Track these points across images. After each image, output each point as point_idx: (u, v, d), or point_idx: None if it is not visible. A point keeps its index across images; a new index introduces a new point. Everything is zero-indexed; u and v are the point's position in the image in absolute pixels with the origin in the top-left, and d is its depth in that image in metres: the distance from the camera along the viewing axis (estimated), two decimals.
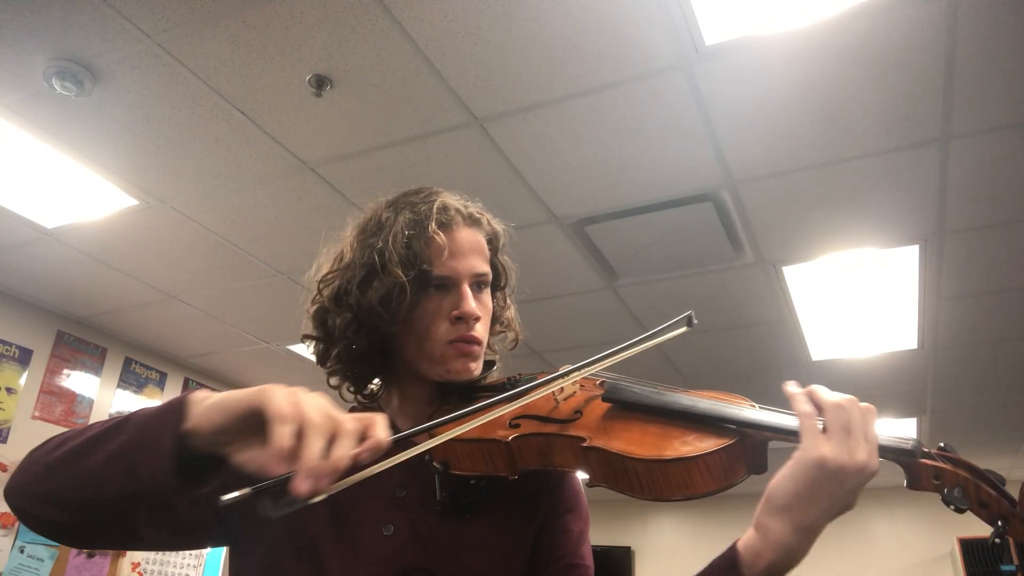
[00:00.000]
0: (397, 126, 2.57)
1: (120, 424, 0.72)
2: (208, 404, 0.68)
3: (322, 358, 1.00)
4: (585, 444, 0.80)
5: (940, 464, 0.71)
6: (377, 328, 0.94)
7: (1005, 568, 6.02)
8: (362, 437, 0.65)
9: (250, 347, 4.50)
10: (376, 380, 1.02)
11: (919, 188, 2.78)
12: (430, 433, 0.76)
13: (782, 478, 0.72)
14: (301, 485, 0.60)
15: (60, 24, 2.15)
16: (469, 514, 0.90)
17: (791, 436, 0.74)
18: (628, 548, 7.66)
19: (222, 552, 5.08)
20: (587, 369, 0.83)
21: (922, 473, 0.72)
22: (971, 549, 6.17)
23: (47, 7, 2.09)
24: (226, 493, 0.62)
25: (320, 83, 2.35)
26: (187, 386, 4.85)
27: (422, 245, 0.93)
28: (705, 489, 0.74)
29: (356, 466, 0.64)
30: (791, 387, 0.77)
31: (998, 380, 4.49)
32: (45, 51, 2.24)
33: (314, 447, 0.61)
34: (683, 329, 0.83)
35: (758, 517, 0.73)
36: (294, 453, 0.61)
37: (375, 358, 0.98)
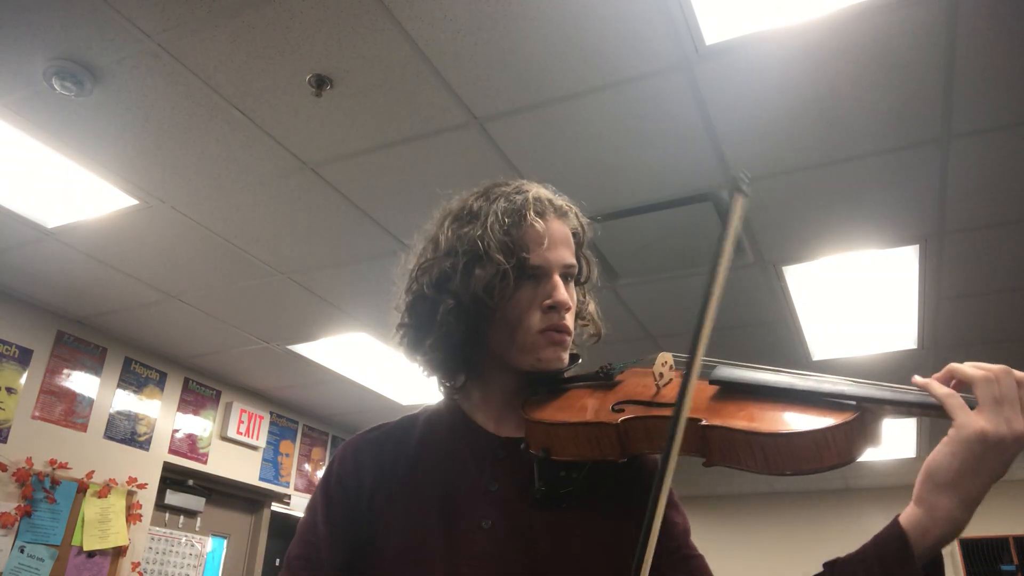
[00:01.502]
0: (397, 126, 2.57)
1: None
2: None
3: (414, 347, 1.00)
4: (704, 423, 0.80)
5: None
6: (476, 315, 0.94)
7: (1005, 568, 6.02)
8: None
9: (250, 347, 4.50)
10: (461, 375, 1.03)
11: (919, 188, 2.78)
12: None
13: (942, 456, 0.72)
14: None
15: (60, 24, 2.15)
16: (566, 505, 0.90)
17: (912, 409, 0.76)
18: None
19: (222, 552, 5.09)
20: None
21: None
22: (971, 549, 6.17)
23: (47, 7, 2.09)
24: None
25: (320, 83, 2.35)
26: (187, 386, 4.85)
27: (520, 233, 0.94)
28: (830, 462, 0.75)
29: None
30: (918, 379, 0.78)
31: None
32: (45, 51, 2.24)
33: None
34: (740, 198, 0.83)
35: (920, 495, 0.74)
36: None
37: (467, 347, 0.98)
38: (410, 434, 1.01)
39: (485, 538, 0.88)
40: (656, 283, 3.58)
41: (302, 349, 4.48)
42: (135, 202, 3.03)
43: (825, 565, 0.80)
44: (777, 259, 3.32)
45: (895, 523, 0.75)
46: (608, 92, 2.38)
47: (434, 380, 1.03)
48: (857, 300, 3.64)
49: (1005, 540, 6.09)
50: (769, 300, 3.66)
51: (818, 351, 4.21)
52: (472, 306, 0.94)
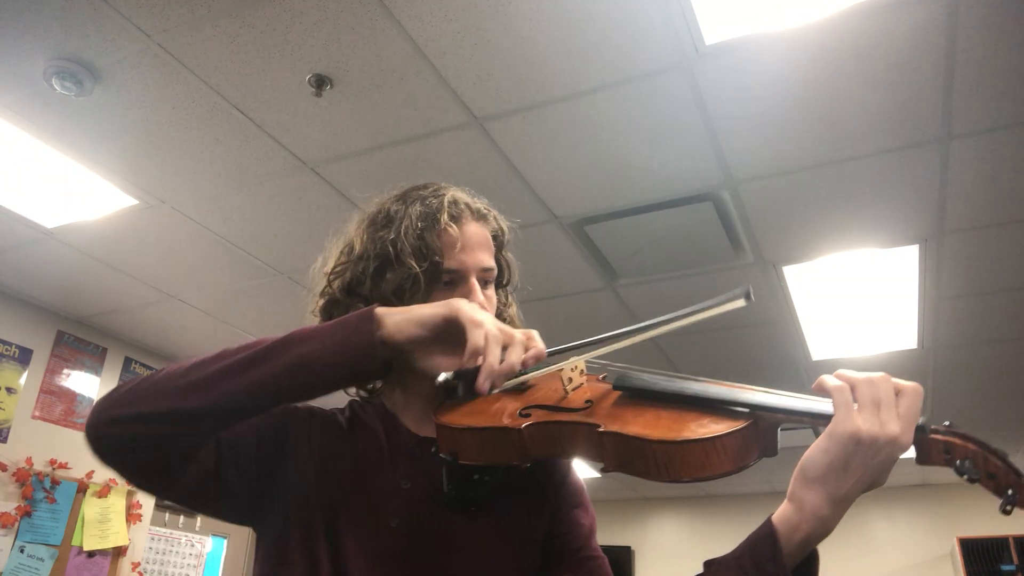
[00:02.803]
0: (397, 126, 2.57)
1: (280, 343, 0.80)
2: (401, 318, 0.80)
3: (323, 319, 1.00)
4: (601, 430, 0.81)
5: (949, 438, 0.73)
6: None
7: (1005, 568, 6.02)
8: (527, 347, 0.80)
9: None
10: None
11: (919, 188, 2.78)
12: (578, 351, 0.86)
13: (815, 451, 0.73)
14: (484, 383, 0.76)
15: (60, 24, 2.15)
16: (475, 508, 0.91)
17: (803, 418, 0.77)
18: (628, 548, 7.66)
19: (222, 552, 5.09)
20: (634, 334, 0.85)
21: (932, 448, 0.73)
22: (971, 549, 6.17)
23: (47, 7, 2.09)
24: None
25: (320, 83, 2.35)
26: None
27: (434, 237, 0.94)
28: (721, 470, 0.76)
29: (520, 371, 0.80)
30: (828, 379, 0.78)
31: (998, 380, 4.49)
32: (45, 51, 2.24)
33: (496, 352, 0.77)
34: (741, 302, 0.84)
35: (792, 490, 0.75)
36: (481, 354, 0.76)
37: None
38: (338, 420, 1.01)
39: (393, 536, 0.88)
40: (656, 283, 3.58)
41: None
42: (135, 202, 3.03)
43: (705, 564, 0.81)
44: (777, 259, 3.32)
45: (767, 521, 0.76)
46: (608, 92, 2.38)
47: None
48: (857, 300, 3.64)
49: (1005, 540, 6.09)
50: (769, 300, 3.66)
51: (818, 351, 4.21)
52: None
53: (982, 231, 3.03)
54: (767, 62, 2.24)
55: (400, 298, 0.92)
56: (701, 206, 2.96)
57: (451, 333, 0.79)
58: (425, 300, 0.92)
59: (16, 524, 3.69)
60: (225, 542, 5.17)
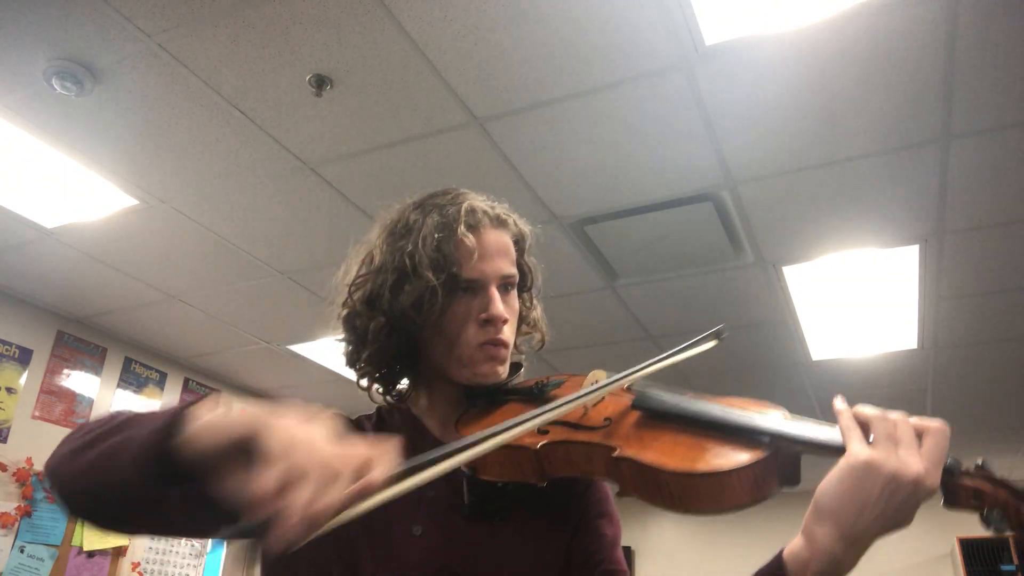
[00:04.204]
0: (397, 126, 2.57)
1: (124, 423, 0.74)
2: (205, 422, 0.65)
3: (352, 360, 1.00)
4: (616, 454, 0.78)
5: (980, 485, 0.69)
6: (408, 331, 0.95)
7: (1005, 568, 6.02)
8: (359, 476, 0.59)
9: (250, 347, 4.50)
10: (404, 381, 1.02)
11: (919, 188, 2.78)
12: (448, 455, 0.70)
13: (829, 483, 0.70)
14: (279, 533, 0.55)
15: (60, 24, 2.15)
16: (498, 519, 0.90)
17: (825, 450, 0.73)
18: (628, 548, 7.66)
19: (222, 552, 5.08)
20: (615, 384, 0.83)
21: (961, 493, 0.69)
22: (971, 549, 6.17)
23: (47, 7, 2.09)
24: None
25: (320, 83, 2.35)
26: (187, 386, 4.85)
27: (451, 248, 0.93)
28: (737, 503, 0.72)
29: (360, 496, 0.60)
30: (838, 403, 0.75)
31: (998, 380, 4.49)
32: (45, 51, 2.24)
33: (298, 497, 0.56)
34: (713, 343, 0.83)
35: (805, 524, 0.72)
36: (278, 497, 0.56)
37: (405, 360, 0.99)
38: (364, 427, 1.02)
39: (415, 545, 0.87)
40: (656, 283, 3.58)
41: (302, 349, 4.48)
42: (135, 202, 3.03)
43: None
44: (777, 259, 3.32)
45: (778, 555, 0.74)
46: (608, 92, 2.38)
47: (376, 390, 1.01)
48: (857, 300, 3.64)
49: (1005, 540, 6.09)
50: (769, 300, 3.66)
51: (818, 351, 4.21)
52: (403, 322, 0.94)
53: (982, 231, 3.03)
54: (767, 62, 2.24)
55: (418, 311, 0.92)
56: (701, 206, 2.96)
57: (246, 453, 0.62)
58: (444, 311, 0.92)
59: (16, 524, 3.69)
60: (225, 542, 5.17)
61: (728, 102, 2.40)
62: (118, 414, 0.76)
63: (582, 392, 0.82)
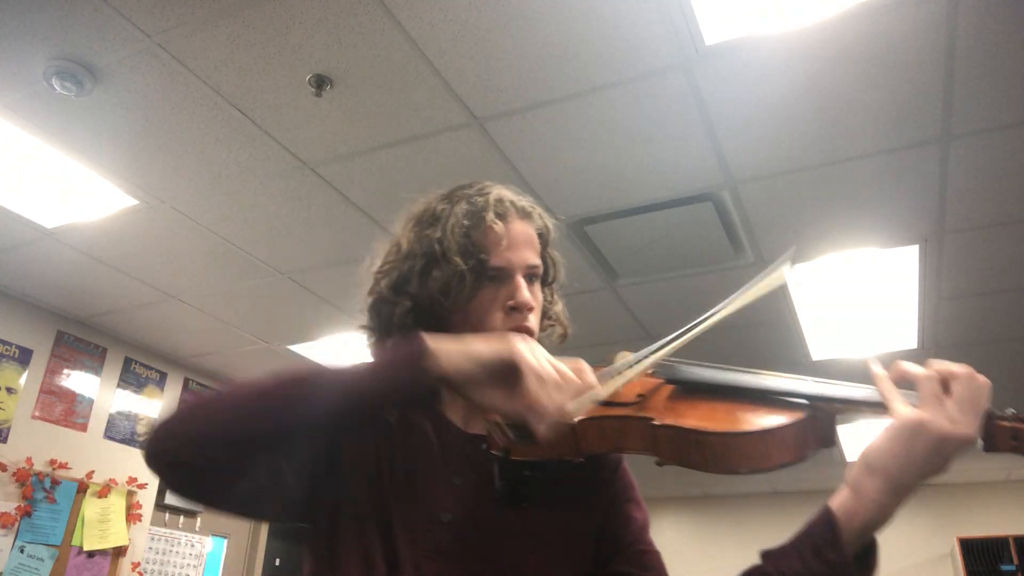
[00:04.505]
0: (397, 126, 2.57)
1: (332, 378, 0.81)
2: (454, 351, 0.79)
3: (377, 349, 1.01)
4: (655, 423, 0.81)
5: (1017, 425, 0.76)
6: (435, 317, 0.95)
7: (1005, 568, 6.02)
8: (579, 388, 0.78)
9: (250, 347, 4.50)
10: None
11: (919, 188, 2.78)
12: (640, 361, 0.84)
13: (880, 440, 0.74)
14: (541, 429, 0.76)
15: (60, 24, 2.15)
16: (527, 504, 0.91)
17: (864, 406, 0.77)
18: None
19: (222, 552, 5.09)
20: (703, 326, 0.87)
21: (998, 435, 0.75)
22: (971, 549, 6.17)
23: (47, 7, 2.09)
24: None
25: (320, 83, 2.35)
26: (187, 386, 4.85)
27: (480, 235, 0.95)
28: (780, 461, 0.76)
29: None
30: (875, 367, 0.79)
31: (998, 380, 4.47)
32: (45, 51, 2.24)
33: (556, 399, 0.76)
34: (788, 266, 0.85)
35: (853, 477, 0.75)
36: (543, 402, 0.75)
37: None
38: (389, 420, 1.02)
39: (445, 532, 0.88)
40: (656, 283, 3.58)
41: (302, 349, 4.48)
42: (135, 202, 3.03)
43: (761, 555, 0.80)
44: (777, 259, 3.32)
45: (825, 507, 0.77)
46: (608, 92, 2.38)
47: None
48: (857, 300, 3.64)
49: (1005, 540, 6.09)
50: (769, 300, 3.65)
51: (818, 351, 4.21)
52: (430, 308, 0.95)
53: (982, 231, 3.03)
54: (767, 62, 2.24)
55: (446, 296, 0.93)
56: (701, 206, 2.96)
57: (506, 373, 0.79)
58: (471, 297, 0.94)
59: (16, 524, 3.69)
60: (225, 542, 5.17)
61: (728, 102, 2.40)
62: (253, 381, 0.82)
63: (683, 331, 0.88)
